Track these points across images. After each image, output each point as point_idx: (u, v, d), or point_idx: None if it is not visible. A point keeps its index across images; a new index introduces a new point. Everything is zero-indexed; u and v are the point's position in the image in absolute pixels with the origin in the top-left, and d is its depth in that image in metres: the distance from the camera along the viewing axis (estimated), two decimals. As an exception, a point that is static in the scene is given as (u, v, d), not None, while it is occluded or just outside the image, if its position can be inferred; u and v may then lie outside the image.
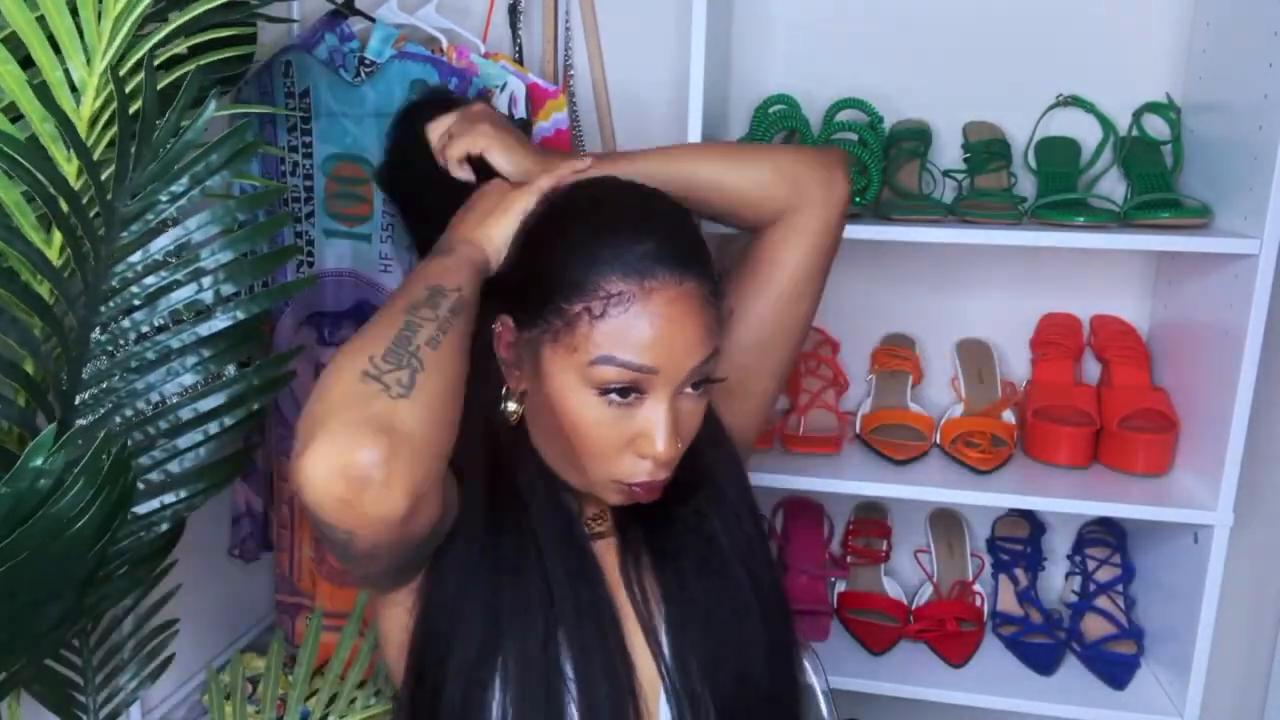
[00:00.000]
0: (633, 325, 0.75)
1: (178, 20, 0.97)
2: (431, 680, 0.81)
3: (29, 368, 0.92)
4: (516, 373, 0.82)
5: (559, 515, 0.85)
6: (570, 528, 0.85)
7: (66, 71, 0.91)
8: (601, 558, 0.87)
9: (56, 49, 0.91)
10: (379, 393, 0.65)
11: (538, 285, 0.78)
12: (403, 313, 0.70)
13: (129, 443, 0.96)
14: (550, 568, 0.82)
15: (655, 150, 0.91)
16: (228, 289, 0.99)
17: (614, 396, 0.76)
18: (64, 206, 0.85)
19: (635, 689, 0.83)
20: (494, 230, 0.81)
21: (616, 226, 0.78)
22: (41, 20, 0.90)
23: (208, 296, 0.99)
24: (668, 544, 0.89)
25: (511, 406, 0.83)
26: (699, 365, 0.77)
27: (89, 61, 0.92)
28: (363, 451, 0.62)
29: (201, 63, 1.06)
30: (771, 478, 1.33)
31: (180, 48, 1.04)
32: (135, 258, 0.95)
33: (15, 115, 0.90)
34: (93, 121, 0.94)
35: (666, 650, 0.85)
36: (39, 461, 0.75)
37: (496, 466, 0.84)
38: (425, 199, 0.90)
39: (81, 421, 0.96)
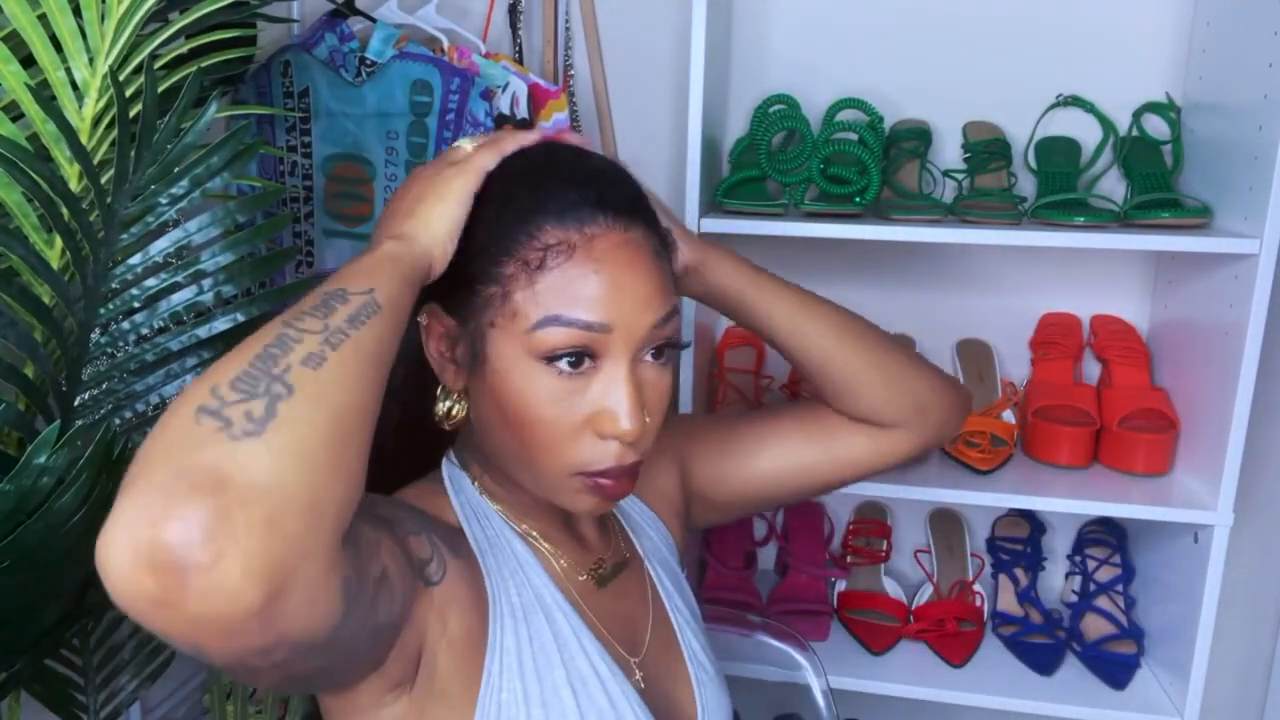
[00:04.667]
0: (577, 278, 0.65)
1: (180, 22, 0.97)
2: None
3: (29, 370, 0.92)
4: (453, 369, 0.71)
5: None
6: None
7: (69, 72, 0.91)
8: (617, 602, 0.79)
9: (59, 49, 0.91)
10: (215, 432, 0.45)
11: (463, 255, 0.67)
12: (279, 324, 0.52)
13: (129, 444, 0.96)
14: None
15: (800, 291, 0.85)
16: (227, 291, 1.00)
17: (564, 366, 0.66)
18: (63, 209, 0.85)
19: None
20: (431, 216, 0.66)
21: (546, 177, 0.69)
22: (44, 20, 0.90)
23: (208, 299, 0.99)
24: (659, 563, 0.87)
25: (446, 407, 0.72)
26: (658, 323, 0.68)
27: (91, 62, 0.92)
28: (174, 521, 0.42)
29: (202, 64, 1.06)
30: (771, 478, 1.33)
31: (181, 49, 1.04)
32: (135, 260, 0.95)
33: (17, 114, 0.90)
34: (95, 122, 0.94)
35: (697, 683, 0.82)
36: (42, 459, 0.75)
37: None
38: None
39: (81, 422, 0.96)
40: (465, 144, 0.71)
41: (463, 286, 0.68)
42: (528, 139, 0.71)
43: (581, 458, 0.68)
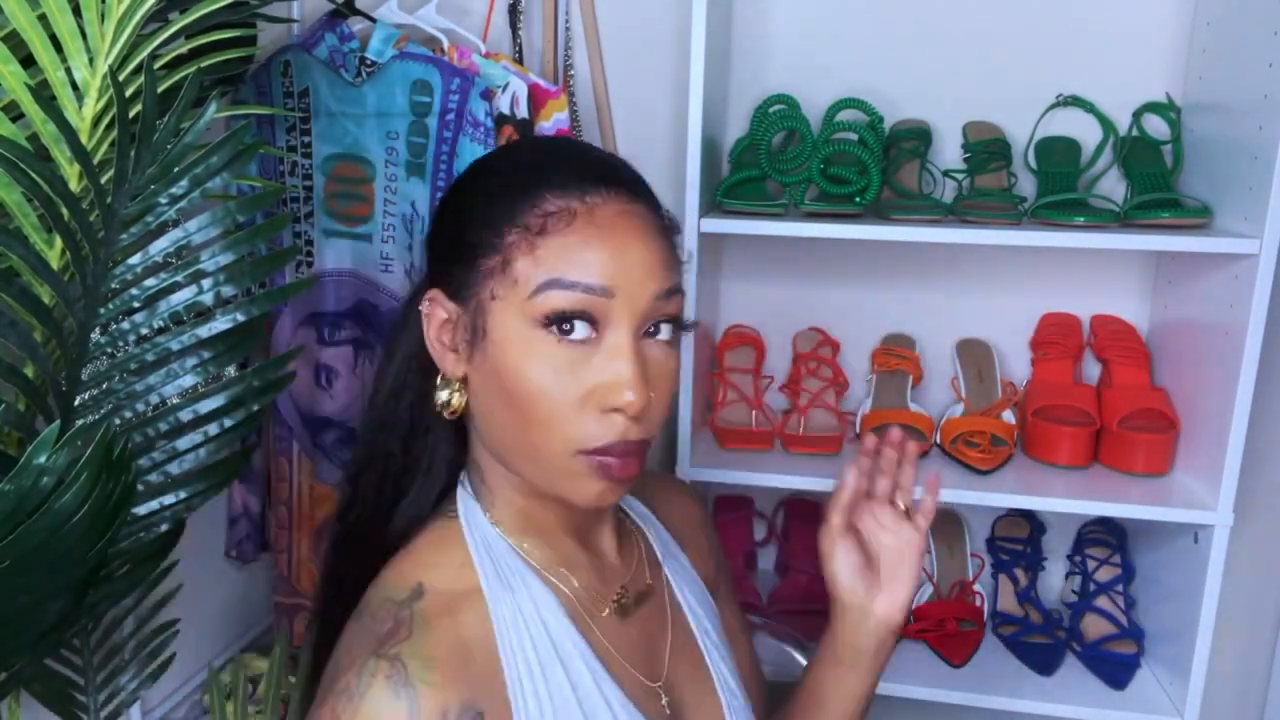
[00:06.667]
0: (578, 243, 0.65)
1: (179, 22, 0.97)
2: None
3: (29, 370, 0.92)
4: (452, 356, 0.71)
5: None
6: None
7: (69, 71, 0.91)
8: (641, 631, 0.79)
9: (59, 49, 0.91)
10: None
11: (464, 231, 0.69)
12: None
13: (129, 444, 0.96)
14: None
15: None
16: (227, 291, 0.99)
17: (564, 330, 0.65)
18: (63, 209, 0.85)
19: None
20: None
21: (550, 154, 0.72)
22: (44, 20, 0.90)
23: (208, 298, 0.99)
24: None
25: (445, 397, 0.72)
26: (660, 294, 0.68)
27: (91, 62, 0.92)
28: None
29: (202, 64, 1.05)
30: (771, 478, 1.33)
31: (181, 49, 1.04)
32: (135, 260, 0.95)
33: (17, 114, 0.90)
34: (95, 122, 0.94)
35: (729, 710, 0.82)
36: (42, 459, 0.75)
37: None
38: None
39: (81, 422, 0.96)
40: None
41: (463, 264, 0.69)
42: None
43: (583, 432, 0.66)
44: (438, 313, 0.72)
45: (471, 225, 0.69)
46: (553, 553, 0.75)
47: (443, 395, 0.72)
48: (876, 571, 0.86)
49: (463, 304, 0.70)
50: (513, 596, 0.71)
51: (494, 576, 0.71)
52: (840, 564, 0.86)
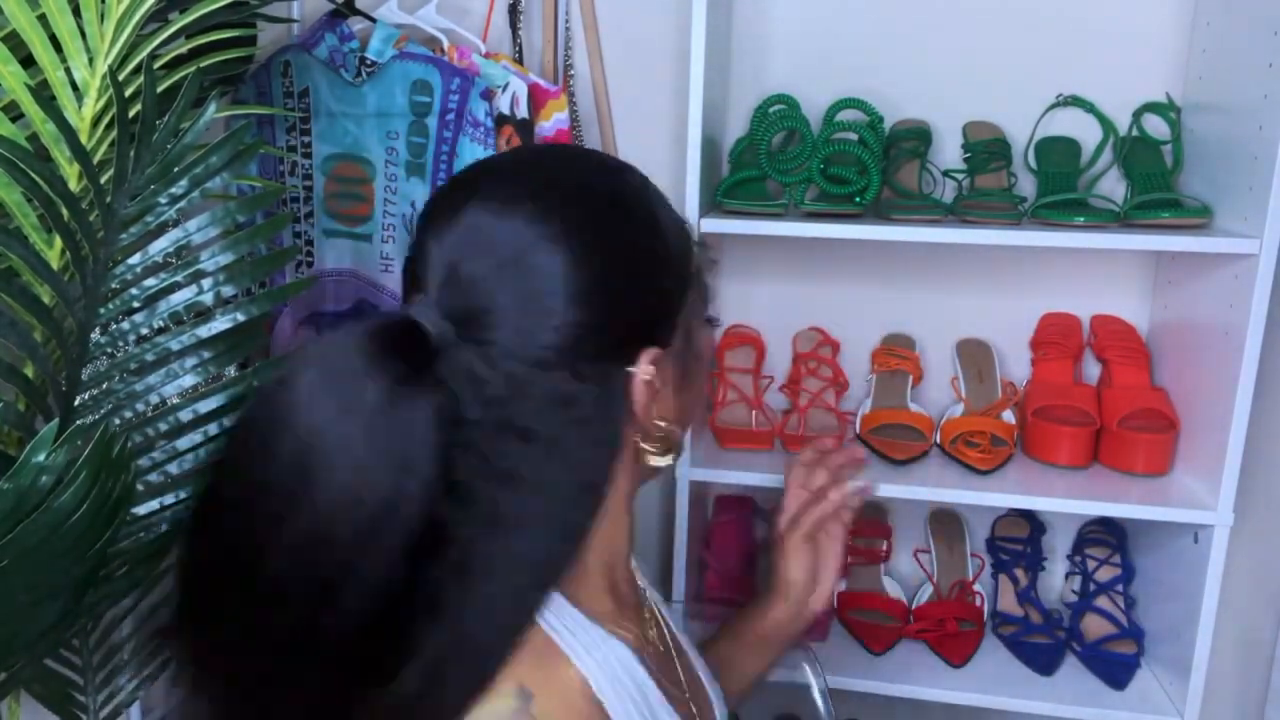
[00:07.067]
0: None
1: (179, 22, 0.98)
2: None
3: (29, 370, 0.92)
4: (657, 411, 0.69)
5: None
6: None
7: (69, 71, 0.91)
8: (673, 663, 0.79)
9: (59, 49, 0.91)
10: None
11: (659, 278, 0.70)
12: None
13: (128, 444, 0.96)
14: None
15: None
16: (227, 291, 0.99)
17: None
18: (63, 209, 0.85)
19: None
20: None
21: (660, 194, 0.75)
22: (44, 20, 0.90)
23: (207, 298, 0.99)
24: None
25: (670, 459, 0.71)
26: None
27: (91, 62, 0.92)
28: None
29: (202, 64, 1.06)
30: (772, 478, 1.33)
31: (181, 49, 1.04)
32: (135, 260, 0.95)
33: (17, 114, 0.90)
34: (95, 122, 0.94)
35: (716, 710, 0.83)
36: (41, 457, 0.75)
37: None
38: None
39: (81, 422, 0.96)
40: None
41: (667, 310, 0.70)
42: None
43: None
44: (656, 370, 0.67)
45: (669, 265, 0.70)
46: (614, 606, 0.73)
47: (667, 459, 0.70)
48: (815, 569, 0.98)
49: (669, 344, 0.69)
50: (601, 668, 0.67)
51: (580, 650, 0.67)
52: (796, 562, 0.97)
